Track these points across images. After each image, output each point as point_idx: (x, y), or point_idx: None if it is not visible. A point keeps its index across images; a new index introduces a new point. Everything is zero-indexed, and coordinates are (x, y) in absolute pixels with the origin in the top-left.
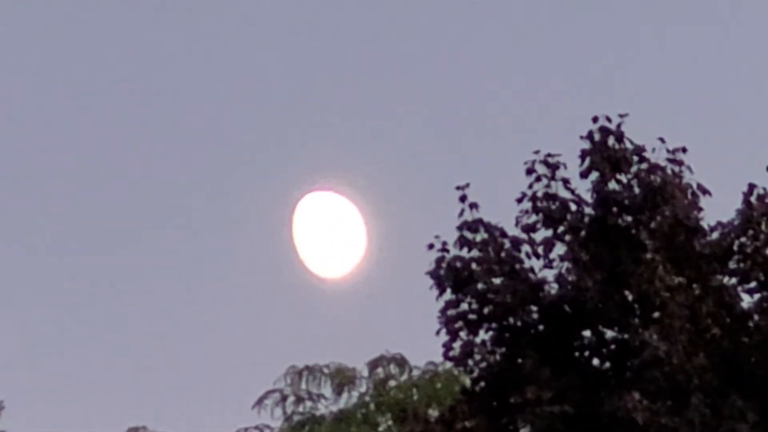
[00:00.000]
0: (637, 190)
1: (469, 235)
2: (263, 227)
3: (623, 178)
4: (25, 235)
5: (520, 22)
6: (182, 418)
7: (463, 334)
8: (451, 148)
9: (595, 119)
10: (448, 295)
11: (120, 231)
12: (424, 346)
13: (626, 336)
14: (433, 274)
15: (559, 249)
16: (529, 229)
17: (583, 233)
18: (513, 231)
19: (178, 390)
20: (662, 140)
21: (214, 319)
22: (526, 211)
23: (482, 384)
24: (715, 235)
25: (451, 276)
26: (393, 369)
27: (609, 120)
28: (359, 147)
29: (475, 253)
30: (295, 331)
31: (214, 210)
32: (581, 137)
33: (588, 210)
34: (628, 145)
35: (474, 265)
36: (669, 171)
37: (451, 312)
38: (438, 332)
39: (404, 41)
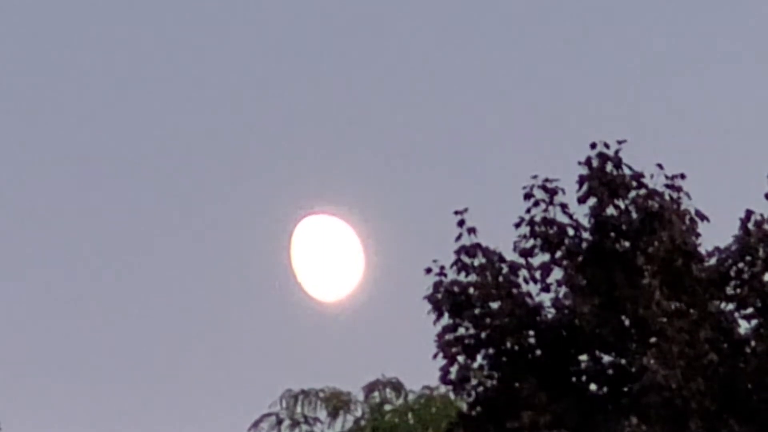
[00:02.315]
0: (634, 216)
1: (467, 259)
2: (262, 250)
3: (621, 203)
4: (29, 251)
5: (519, 47)
6: None
7: (460, 358)
8: (449, 172)
9: (593, 145)
10: (445, 319)
11: (117, 255)
12: (420, 370)
13: (624, 361)
14: (431, 299)
15: (557, 274)
16: (527, 253)
17: (580, 258)
18: (511, 255)
19: (175, 413)
20: (660, 166)
21: (210, 342)
22: (524, 236)
23: (479, 408)
24: (712, 260)
25: (448, 300)
26: (389, 393)
27: (607, 146)
28: (357, 171)
29: (472, 277)
30: (292, 354)
31: (212, 233)
32: (579, 163)
33: (586, 235)
34: (627, 171)
35: (471, 290)
36: (667, 197)
37: (448, 336)
38: (435, 356)
39: (403, 65)
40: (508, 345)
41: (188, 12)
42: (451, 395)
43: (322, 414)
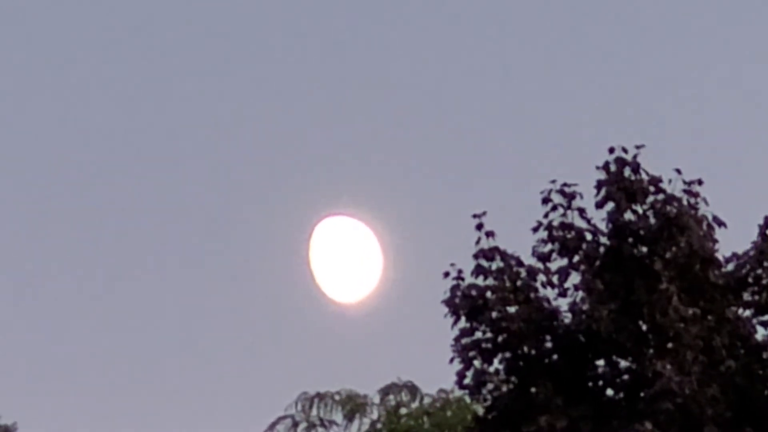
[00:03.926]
0: (652, 221)
1: (484, 263)
2: (280, 251)
3: (639, 208)
4: (50, 261)
5: (539, 52)
6: None
7: (476, 362)
8: (468, 176)
9: (611, 150)
10: (462, 323)
11: (135, 257)
12: (436, 373)
13: (640, 366)
14: (448, 302)
15: (574, 278)
16: (545, 258)
17: (598, 263)
18: (529, 260)
19: (190, 415)
20: (678, 172)
21: (228, 343)
22: (542, 240)
23: (495, 413)
24: (730, 266)
25: (466, 304)
26: (404, 396)
27: (625, 151)
28: (376, 173)
29: (490, 281)
30: (308, 356)
31: (231, 234)
32: (597, 167)
33: (603, 240)
34: (644, 176)
35: (489, 294)
36: (685, 202)
37: (465, 340)
38: (451, 360)
39: (423, 69)
40: (525, 349)
41: (210, 16)
42: (467, 399)
43: (338, 417)
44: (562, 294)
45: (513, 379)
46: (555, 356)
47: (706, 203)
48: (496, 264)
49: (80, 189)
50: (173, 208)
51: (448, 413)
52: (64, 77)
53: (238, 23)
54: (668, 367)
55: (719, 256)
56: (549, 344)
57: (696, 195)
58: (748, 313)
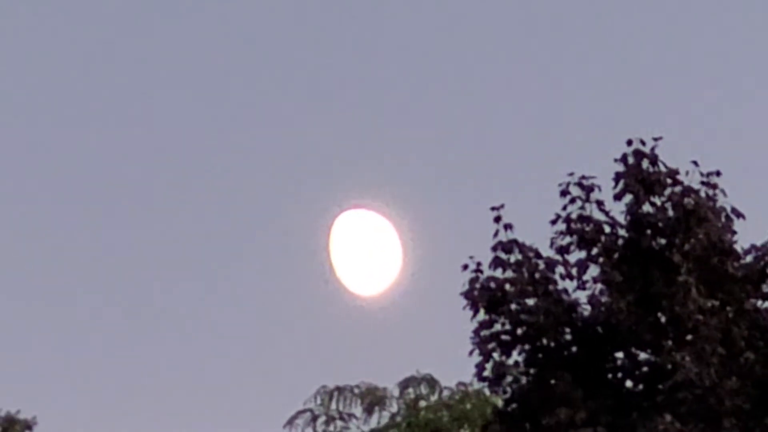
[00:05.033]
0: (670, 213)
1: (503, 255)
2: (300, 244)
3: (657, 200)
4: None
5: (557, 45)
6: None
7: (496, 354)
8: (487, 168)
9: (629, 142)
10: (481, 315)
11: (159, 250)
12: (455, 366)
13: (659, 358)
14: (467, 295)
15: (593, 270)
16: (563, 250)
17: (616, 255)
18: (547, 252)
19: (210, 408)
20: (696, 164)
21: (247, 337)
22: (561, 233)
23: (515, 405)
24: (749, 258)
25: (484, 296)
26: (423, 389)
27: (643, 143)
28: (396, 166)
29: (509, 273)
30: (328, 350)
31: (250, 229)
32: (615, 160)
33: (622, 232)
34: (662, 168)
35: (508, 286)
36: (703, 194)
37: (484, 332)
38: (471, 353)
39: (442, 62)
40: (544, 342)
41: (229, 12)
42: (487, 392)
43: (358, 410)
44: (581, 286)
45: (532, 371)
46: (574, 348)
47: (725, 195)
48: (515, 256)
49: (113, 185)
50: (194, 202)
51: (468, 406)
52: (87, 79)
53: (265, 18)
54: (687, 358)
55: (738, 247)
56: (568, 336)
57: (714, 186)
58: (767, 304)
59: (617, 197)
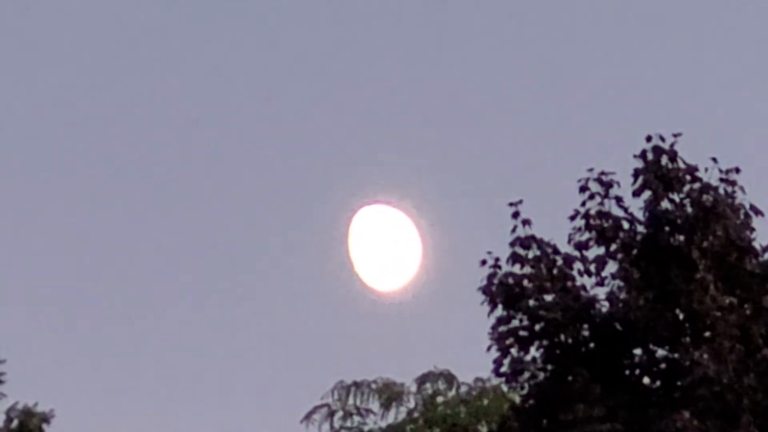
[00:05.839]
0: (689, 210)
1: (521, 251)
2: (319, 240)
3: (676, 197)
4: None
5: (575, 42)
6: None
7: (513, 350)
8: (505, 164)
9: (648, 138)
10: (499, 311)
11: (176, 243)
12: (472, 361)
13: (676, 355)
14: (485, 290)
15: (611, 267)
16: (582, 246)
17: (635, 251)
18: (565, 248)
19: (227, 403)
20: (715, 160)
21: (265, 332)
22: (579, 229)
23: (532, 401)
24: (767, 255)
25: (502, 292)
26: (441, 385)
27: (662, 139)
28: (415, 161)
29: (527, 269)
30: (346, 345)
31: (270, 224)
32: (634, 156)
33: (640, 228)
34: (681, 165)
35: (526, 282)
36: (722, 191)
37: (502, 328)
38: (489, 348)
39: (460, 59)
40: (562, 338)
41: (252, 8)
42: (504, 387)
43: (375, 405)
44: (599, 283)
45: (550, 367)
46: (592, 345)
47: (743, 192)
48: (533, 252)
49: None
50: (213, 197)
51: (485, 402)
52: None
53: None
54: (705, 355)
55: (756, 245)
56: (586, 333)
57: (733, 183)
58: None
59: (636, 193)
